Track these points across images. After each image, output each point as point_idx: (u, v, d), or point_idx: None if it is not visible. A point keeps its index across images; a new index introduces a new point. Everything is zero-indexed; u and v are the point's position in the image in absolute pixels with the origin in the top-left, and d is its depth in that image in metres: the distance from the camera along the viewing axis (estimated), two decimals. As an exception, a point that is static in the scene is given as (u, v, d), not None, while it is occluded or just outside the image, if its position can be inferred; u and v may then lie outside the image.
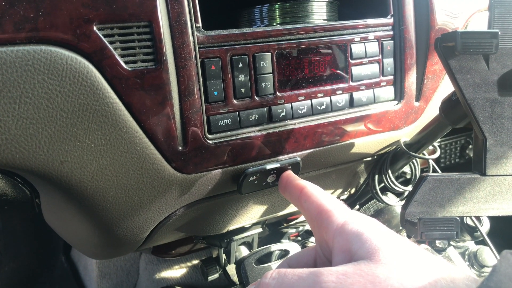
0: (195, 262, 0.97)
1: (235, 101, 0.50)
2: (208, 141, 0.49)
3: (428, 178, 0.48)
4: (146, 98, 0.44)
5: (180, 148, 0.48)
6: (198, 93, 0.47)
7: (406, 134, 0.65)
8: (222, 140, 0.50)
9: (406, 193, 0.73)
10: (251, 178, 0.54)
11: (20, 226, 1.03)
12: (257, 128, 0.52)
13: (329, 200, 0.43)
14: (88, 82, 0.41)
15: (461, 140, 1.19)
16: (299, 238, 0.84)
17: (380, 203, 0.79)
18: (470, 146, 1.20)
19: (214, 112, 0.49)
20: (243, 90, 0.51)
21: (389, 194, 0.77)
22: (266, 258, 0.66)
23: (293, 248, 0.68)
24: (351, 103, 0.58)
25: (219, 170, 0.52)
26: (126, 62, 0.42)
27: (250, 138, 0.52)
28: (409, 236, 0.50)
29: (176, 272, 0.96)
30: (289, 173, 0.53)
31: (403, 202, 0.74)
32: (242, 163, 0.53)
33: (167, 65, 0.44)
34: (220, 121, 0.50)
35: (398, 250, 0.34)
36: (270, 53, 0.51)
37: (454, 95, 0.52)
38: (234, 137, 0.51)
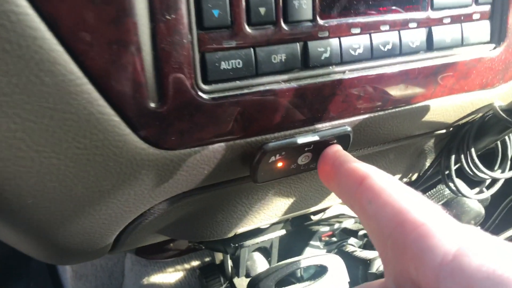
0: (193, 263, 0.80)
1: (248, 29, 0.31)
2: (202, 94, 0.30)
3: None
4: (86, 11, 0.25)
5: (152, 104, 0.28)
6: (186, 9, 0.28)
7: (501, 95, 0.46)
8: (226, 94, 0.32)
9: (488, 182, 0.53)
10: (273, 158, 0.35)
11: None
12: (284, 76, 0.34)
13: (418, 204, 0.24)
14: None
15: None
16: (334, 239, 0.64)
17: (445, 193, 0.59)
18: None
19: (213, 46, 0.30)
20: (262, 10, 0.31)
21: (458, 181, 0.57)
22: (291, 275, 0.47)
23: (333, 262, 0.47)
24: (429, 44, 0.40)
25: (221, 144, 0.33)
26: None
27: (271, 92, 0.33)
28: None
29: (169, 276, 0.80)
30: (338, 149, 0.35)
31: (482, 194, 0.55)
32: (258, 134, 0.34)
33: None
34: (223, 63, 0.31)
35: None
36: (309, -51, 0.31)
37: None
38: (246, 90, 0.32)
